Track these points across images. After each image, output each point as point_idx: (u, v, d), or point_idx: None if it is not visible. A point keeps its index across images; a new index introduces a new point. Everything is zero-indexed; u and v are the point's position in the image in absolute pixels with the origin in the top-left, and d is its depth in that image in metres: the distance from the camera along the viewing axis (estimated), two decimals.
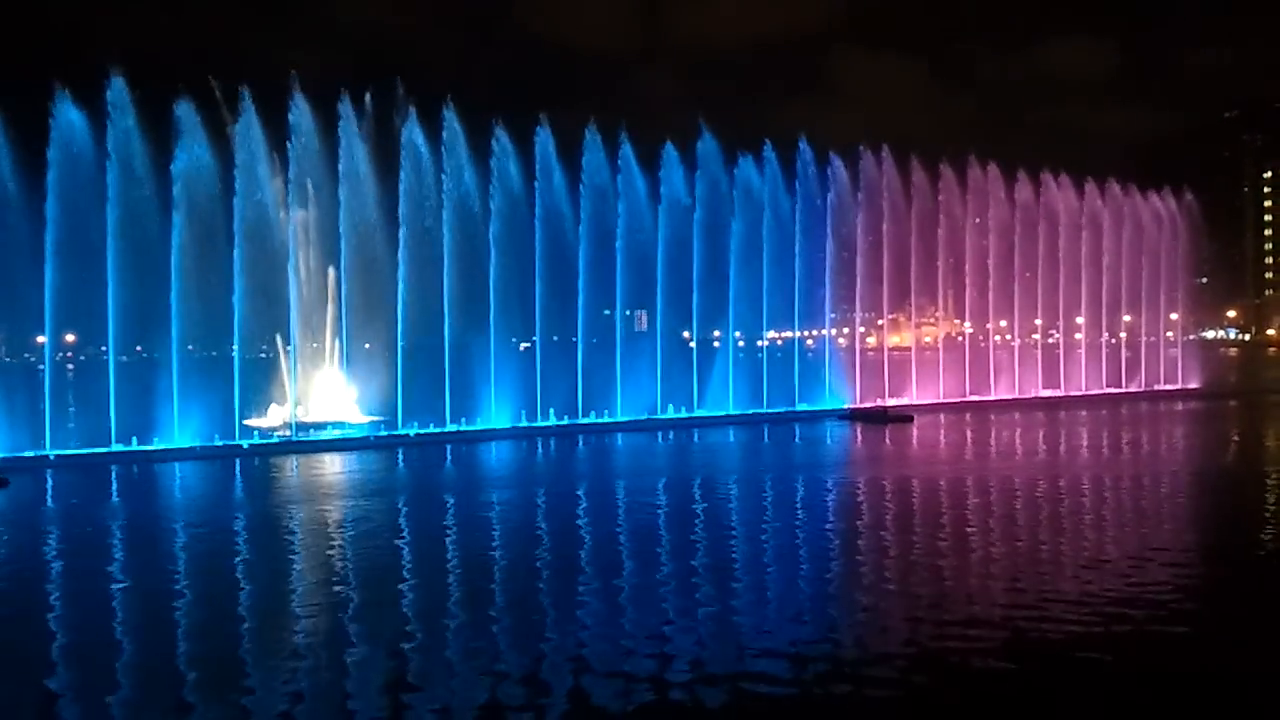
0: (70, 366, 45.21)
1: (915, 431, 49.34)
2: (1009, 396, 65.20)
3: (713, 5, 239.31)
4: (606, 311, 54.00)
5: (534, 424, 49.03)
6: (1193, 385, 73.63)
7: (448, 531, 26.32)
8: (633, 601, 17.99)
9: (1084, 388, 69.52)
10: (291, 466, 38.74)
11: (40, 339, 42.67)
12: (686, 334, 57.10)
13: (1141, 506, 29.06)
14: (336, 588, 19.92)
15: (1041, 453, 41.24)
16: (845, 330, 63.29)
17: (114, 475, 36.88)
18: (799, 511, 28.52)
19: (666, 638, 15.81)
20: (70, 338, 45.01)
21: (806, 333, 61.26)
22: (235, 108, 44.55)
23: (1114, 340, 74.11)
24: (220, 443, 42.09)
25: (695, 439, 47.40)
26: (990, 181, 67.29)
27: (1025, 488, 31.42)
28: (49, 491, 34.17)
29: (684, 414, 53.42)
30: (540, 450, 44.06)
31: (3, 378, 43.34)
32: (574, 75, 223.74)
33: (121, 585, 20.75)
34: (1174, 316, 79.23)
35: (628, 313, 60.17)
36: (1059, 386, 68.60)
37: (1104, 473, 34.78)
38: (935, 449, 43.41)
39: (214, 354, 46.69)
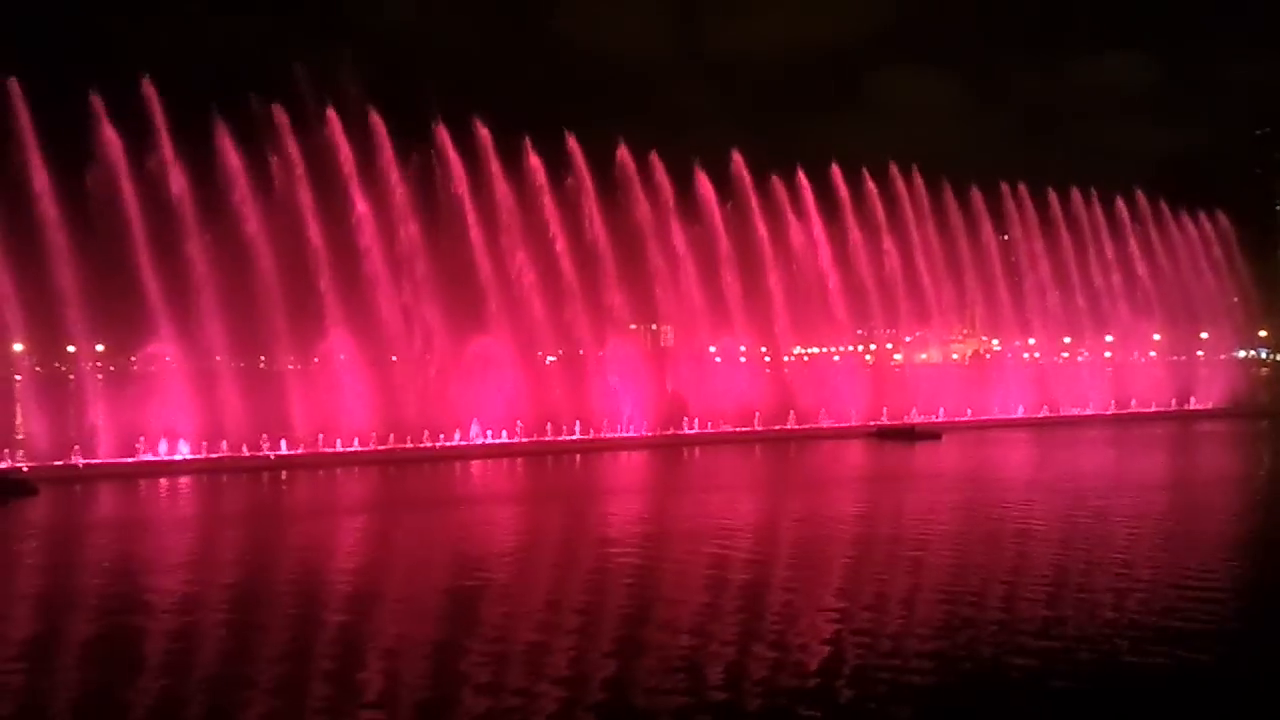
0: (100, 376, 45.45)
1: (944, 451, 48.85)
2: (1037, 415, 64.57)
3: (751, 17, 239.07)
4: (633, 326, 53.95)
5: (542, 439, 48.69)
6: (1223, 405, 72.66)
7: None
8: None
9: (1112, 407, 68.70)
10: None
11: (70, 349, 43.03)
12: (712, 349, 56.92)
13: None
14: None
15: (1078, 479, 40.66)
16: (872, 347, 62.91)
17: (140, 485, 37.08)
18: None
19: None
20: (100, 347, 45.29)
21: (833, 349, 60.94)
22: (268, 121, 44.97)
23: (1143, 359, 73.38)
24: (248, 454, 42.24)
25: (710, 458, 47.00)
26: (1020, 200, 67.00)
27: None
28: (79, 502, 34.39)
29: (709, 430, 53.05)
30: (549, 468, 44.01)
31: (33, 387, 43.58)
32: (610, 84, 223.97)
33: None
34: (1204, 336, 78.44)
35: (653, 327, 60.21)
36: (1086, 405, 67.83)
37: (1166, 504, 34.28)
38: (970, 471, 42.76)
39: (241, 364, 46.83)
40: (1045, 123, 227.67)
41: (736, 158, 56.31)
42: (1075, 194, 69.55)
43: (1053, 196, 68.53)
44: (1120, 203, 71.50)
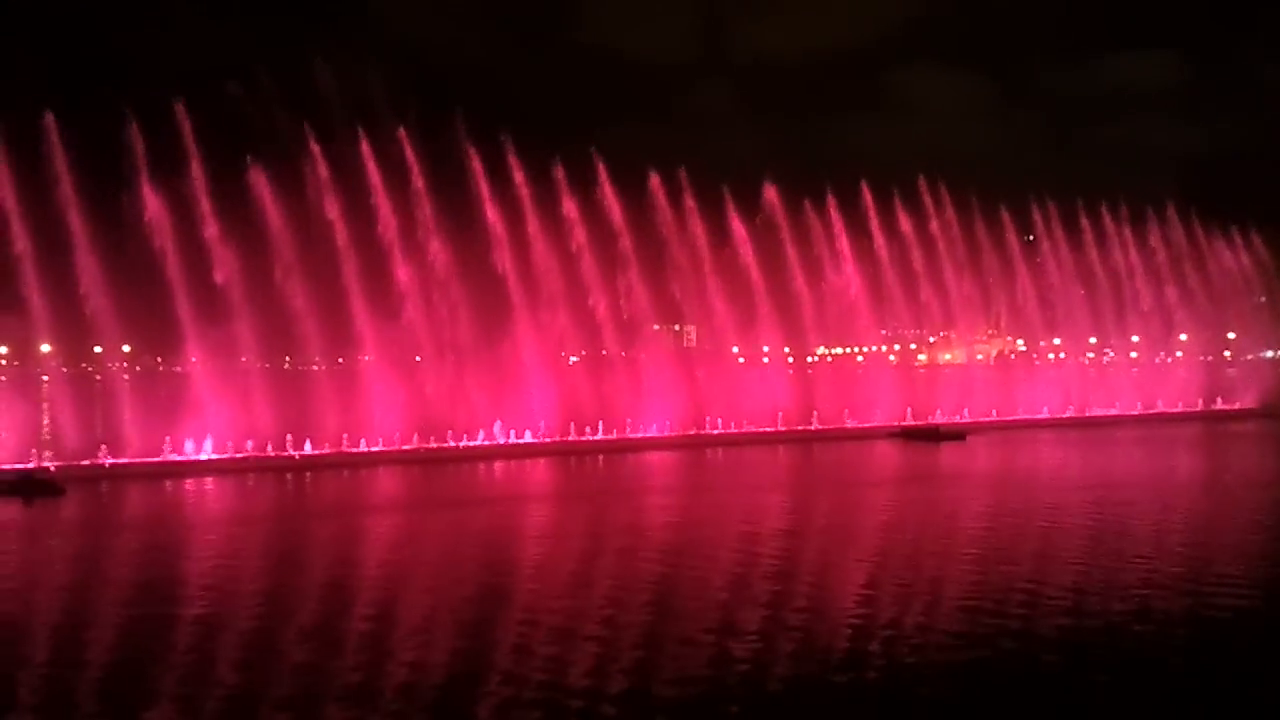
0: (126, 377, 45.62)
1: (969, 451, 48.42)
2: (1063, 415, 64.03)
3: (774, 18, 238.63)
4: (656, 327, 53.80)
5: (575, 439, 48.61)
6: (1251, 406, 71.83)
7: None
8: None
9: (1139, 407, 67.98)
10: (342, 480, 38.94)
11: (97, 349, 43.23)
12: (735, 349, 56.70)
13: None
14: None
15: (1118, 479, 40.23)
16: (896, 347, 62.54)
17: (166, 485, 37.14)
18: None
19: None
20: (126, 348, 45.45)
21: (857, 349, 60.61)
22: (294, 128, 45.11)
23: (1170, 360, 72.68)
24: (273, 454, 42.26)
25: (734, 459, 46.74)
26: (1046, 203, 66.66)
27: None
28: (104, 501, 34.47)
29: (732, 430, 52.81)
30: (582, 468, 43.87)
31: (60, 388, 43.78)
32: (635, 87, 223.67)
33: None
34: (1231, 336, 77.70)
35: (675, 328, 60.10)
36: (1113, 405, 67.22)
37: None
38: (997, 472, 42.41)
39: (266, 365, 46.90)
40: (1072, 121, 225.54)
41: (769, 191, 56.35)
42: (1104, 198, 69.07)
43: (1079, 198, 68.06)
44: (1148, 206, 70.95)
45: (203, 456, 41.29)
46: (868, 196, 59.48)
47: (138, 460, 40.17)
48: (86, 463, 39.21)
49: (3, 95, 40.54)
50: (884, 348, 61.76)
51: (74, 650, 16.53)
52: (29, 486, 34.45)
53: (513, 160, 49.74)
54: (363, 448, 44.18)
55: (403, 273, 47.19)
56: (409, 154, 47.73)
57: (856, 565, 22.81)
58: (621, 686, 14.36)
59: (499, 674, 14.91)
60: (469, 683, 14.51)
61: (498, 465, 43.55)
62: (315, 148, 45.68)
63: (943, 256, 62.21)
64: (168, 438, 41.15)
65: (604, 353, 53.07)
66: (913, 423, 56.78)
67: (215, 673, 15.14)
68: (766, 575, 21.59)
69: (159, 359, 43.45)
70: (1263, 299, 77.78)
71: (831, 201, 58.52)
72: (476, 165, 49.14)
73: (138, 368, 48.08)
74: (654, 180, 53.39)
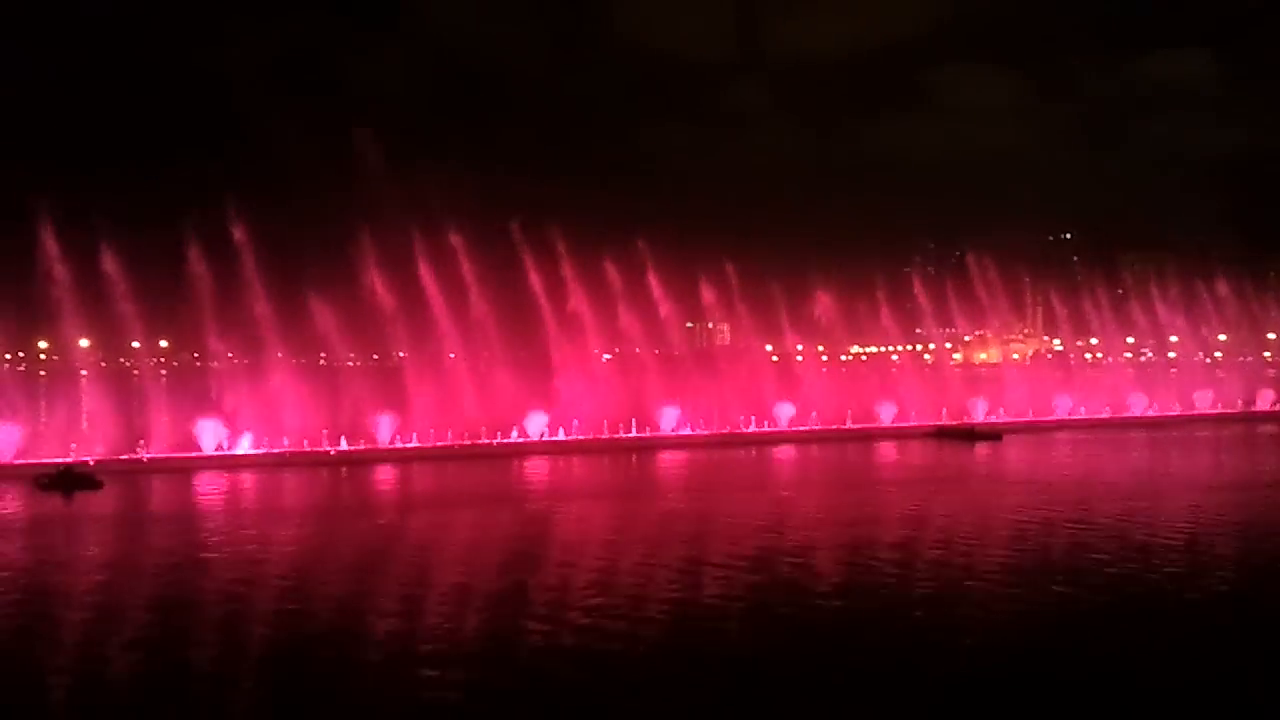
0: (163, 372, 45.80)
1: (1006, 451, 47.78)
2: (1100, 416, 63.10)
3: (810, 15, 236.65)
4: (690, 325, 53.59)
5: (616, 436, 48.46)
6: None
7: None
8: None
9: (1178, 408, 66.82)
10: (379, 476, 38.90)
11: (134, 344, 43.43)
12: (770, 348, 56.35)
13: None
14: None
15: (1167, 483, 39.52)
16: (931, 346, 61.94)
17: (204, 479, 37.21)
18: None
19: None
20: (164, 343, 45.64)
21: (892, 348, 60.05)
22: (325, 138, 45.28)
23: (1208, 360, 71.55)
24: (310, 449, 42.27)
25: (767, 457, 46.34)
26: (1080, 202, 65.97)
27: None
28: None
29: (765, 429, 52.41)
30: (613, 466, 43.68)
31: (98, 383, 44.00)
32: (671, 84, 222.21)
33: None
34: (1271, 336, 76.61)
35: (709, 325, 59.89)
36: (1151, 406, 66.15)
37: None
38: (1037, 473, 41.76)
39: (302, 361, 47.00)
40: (1108, 119, 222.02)
41: (822, 298, 56.10)
42: (1140, 196, 68.49)
43: (1115, 196, 67.46)
44: (1185, 204, 70.35)
45: (239, 451, 41.36)
46: (898, 196, 59.09)
47: (175, 455, 40.33)
48: (125, 457, 39.39)
49: (50, 91, 40.97)
50: (919, 347, 61.14)
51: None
52: (68, 480, 34.62)
53: (546, 162, 49.85)
54: (397, 444, 44.14)
55: (439, 271, 47.20)
56: (441, 159, 47.92)
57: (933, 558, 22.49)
58: None
59: None
60: None
61: (531, 462, 43.30)
62: (349, 156, 45.90)
63: (973, 256, 61.60)
64: (204, 433, 41.26)
65: (636, 351, 52.84)
66: (948, 422, 56.14)
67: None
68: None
69: (195, 355, 43.54)
70: None
71: (864, 201, 58.18)
72: (511, 175, 49.41)
73: (175, 363, 48.34)
74: (690, 181, 53.34)
